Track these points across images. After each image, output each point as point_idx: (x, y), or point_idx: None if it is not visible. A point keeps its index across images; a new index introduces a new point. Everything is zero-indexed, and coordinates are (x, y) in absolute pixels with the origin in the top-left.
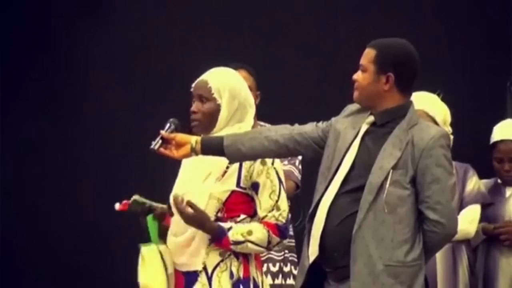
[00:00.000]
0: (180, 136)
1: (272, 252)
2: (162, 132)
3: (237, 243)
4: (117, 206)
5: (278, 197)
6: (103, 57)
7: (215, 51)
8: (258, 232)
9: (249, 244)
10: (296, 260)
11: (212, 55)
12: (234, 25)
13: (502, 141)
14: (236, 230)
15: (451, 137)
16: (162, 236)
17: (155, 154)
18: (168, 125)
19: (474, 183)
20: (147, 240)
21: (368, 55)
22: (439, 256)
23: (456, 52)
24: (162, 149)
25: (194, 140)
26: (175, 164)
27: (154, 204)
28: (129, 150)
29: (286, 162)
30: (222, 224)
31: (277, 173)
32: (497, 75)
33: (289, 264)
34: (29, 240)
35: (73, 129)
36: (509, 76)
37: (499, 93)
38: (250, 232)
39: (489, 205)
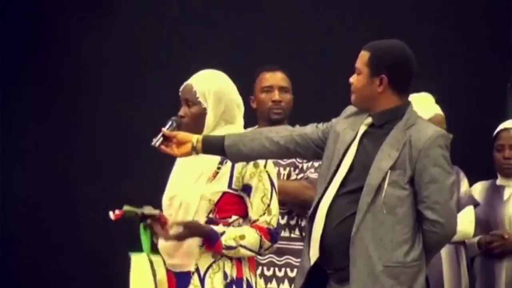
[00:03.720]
0: (182, 135)
1: (273, 256)
2: (164, 129)
3: (229, 248)
4: (112, 215)
5: (270, 200)
6: (104, 57)
7: (217, 52)
8: (251, 237)
9: (241, 249)
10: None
11: (214, 56)
12: (236, 26)
13: (505, 129)
14: (229, 235)
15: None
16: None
17: (156, 152)
18: (169, 123)
19: (466, 185)
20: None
21: (362, 57)
22: (444, 257)
23: (456, 53)
24: (163, 147)
25: (195, 138)
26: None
27: (146, 211)
28: (131, 150)
29: (312, 170)
30: (215, 228)
31: (269, 176)
32: (497, 76)
33: (288, 269)
34: (30, 241)
35: (74, 129)
36: (509, 77)
37: (499, 94)
38: (242, 237)
39: (476, 206)
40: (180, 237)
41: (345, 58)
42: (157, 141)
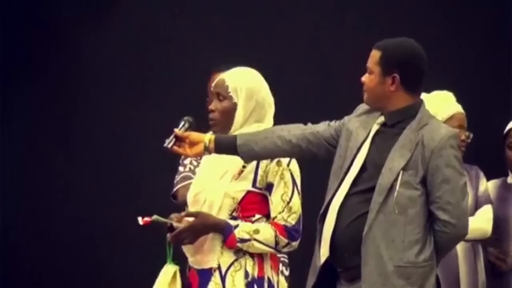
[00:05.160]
0: (194, 135)
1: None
2: (176, 130)
3: (243, 240)
4: (140, 221)
5: (290, 198)
6: (104, 56)
7: (218, 51)
8: (265, 232)
9: (255, 243)
10: (287, 260)
11: (218, 55)
12: (241, 25)
13: None
14: (243, 228)
15: None
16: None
17: (158, 152)
18: (182, 123)
19: (485, 185)
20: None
21: (373, 57)
22: (461, 256)
23: (457, 52)
24: (175, 147)
25: (207, 138)
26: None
27: (174, 223)
28: (131, 150)
29: None
30: (229, 221)
31: (291, 174)
32: (498, 75)
33: (280, 264)
34: (30, 241)
35: (75, 129)
36: (510, 76)
37: (503, 93)
38: (257, 231)
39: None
40: (193, 232)
41: (345, 58)
42: (169, 142)
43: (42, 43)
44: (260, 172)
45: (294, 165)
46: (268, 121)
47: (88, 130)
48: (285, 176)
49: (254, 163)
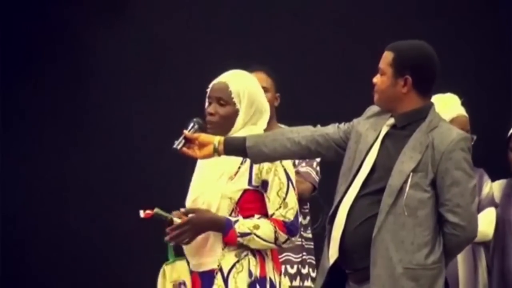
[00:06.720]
0: (203, 136)
1: (290, 254)
2: (186, 131)
3: (244, 234)
4: (142, 213)
5: (286, 194)
6: (116, 58)
7: (231, 53)
8: (265, 227)
9: (255, 238)
10: (314, 262)
11: (229, 57)
12: (251, 27)
13: None
14: (243, 223)
15: None
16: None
17: (158, 155)
18: (191, 124)
19: (490, 188)
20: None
21: (386, 58)
22: (460, 257)
23: (460, 55)
24: (185, 149)
25: (217, 140)
26: (183, 169)
27: (175, 218)
28: (137, 151)
29: (304, 164)
30: (229, 217)
31: (285, 170)
32: (503, 77)
33: (307, 266)
34: (30, 242)
35: (80, 131)
36: (510, 78)
37: (502, 95)
38: (256, 226)
39: (496, 207)
40: (191, 228)
41: (351, 60)
42: (178, 143)
43: (45, 43)
44: (254, 170)
45: (287, 161)
46: (262, 124)
47: (95, 133)
48: (279, 172)
49: (248, 161)
